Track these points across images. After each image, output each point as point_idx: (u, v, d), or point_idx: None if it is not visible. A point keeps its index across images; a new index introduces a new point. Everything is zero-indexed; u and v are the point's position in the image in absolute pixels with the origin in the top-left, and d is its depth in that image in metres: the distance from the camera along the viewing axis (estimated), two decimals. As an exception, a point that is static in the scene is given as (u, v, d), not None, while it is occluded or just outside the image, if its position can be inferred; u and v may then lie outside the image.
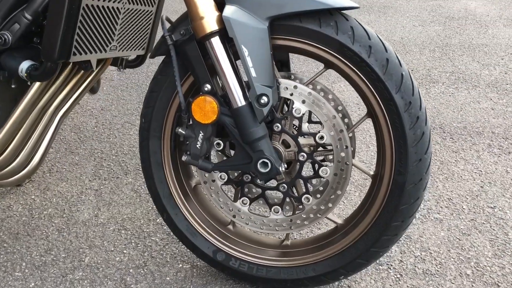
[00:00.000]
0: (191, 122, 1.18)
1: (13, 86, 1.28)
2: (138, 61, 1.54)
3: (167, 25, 1.20)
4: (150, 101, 1.27)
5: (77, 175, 1.92)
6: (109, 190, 1.83)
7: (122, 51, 1.37)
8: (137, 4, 1.33)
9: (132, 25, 1.35)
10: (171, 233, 1.57)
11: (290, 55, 1.38)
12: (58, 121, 1.36)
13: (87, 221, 1.66)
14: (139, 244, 1.54)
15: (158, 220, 1.65)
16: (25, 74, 1.13)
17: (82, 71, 1.36)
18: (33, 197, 1.78)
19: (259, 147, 1.13)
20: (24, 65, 1.13)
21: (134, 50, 1.42)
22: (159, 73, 1.26)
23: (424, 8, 4.55)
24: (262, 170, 1.13)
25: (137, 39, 1.42)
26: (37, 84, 1.23)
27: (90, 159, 2.05)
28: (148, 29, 1.46)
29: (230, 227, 1.35)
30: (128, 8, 1.30)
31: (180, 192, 1.32)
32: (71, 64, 1.30)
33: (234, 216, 1.26)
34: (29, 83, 1.23)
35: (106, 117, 2.43)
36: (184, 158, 1.20)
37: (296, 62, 3.20)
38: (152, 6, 1.41)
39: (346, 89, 2.74)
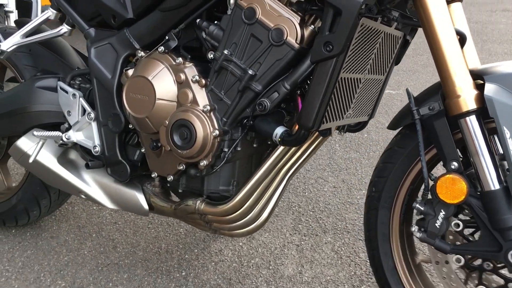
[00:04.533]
0: (430, 198, 1.15)
1: (254, 145, 1.39)
2: (360, 126, 1.56)
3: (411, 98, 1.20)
4: (384, 172, 1.27)
5: (278, 227, 1.99)
6: (310, 247, 1.85)
7: (354, 118, 1.40)
8: (374, 74, 1.36)
9: (366, 93, 1.39)
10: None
11: None
12: (287, 180, 1.43)
13: (292, 276, 1.69)
14: (345, 311, 1.52)
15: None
16: (279, 139, 1.22)
17: (315, 135, 1.41)
18: (240, 244, 1.88)
19: (511, 236, 1.05)
20: (279, 131, 1.22)
21: (362, 116, 1.45)
22: (396, 145, 1.26)
23: None
24: (514, 262, 1.05)
25: (366, 106, 1.44)
26: (281, 147, 1.31)
27: (288, 212, 2.11)
28: (375, 96, 1.48)
29: (456, 312, 1.26)
30: (367, 78, 1.34)
31: (405, 268, 1.29)
32: (312, 130, 1.37)
33: (467, 305, 1.18)
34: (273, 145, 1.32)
35: (300, 171, 2.51)
36: (418, 235, 1.16)
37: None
38: (383, 75, 1.44)
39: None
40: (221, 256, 1.81)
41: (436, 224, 1.14)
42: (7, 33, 1.75)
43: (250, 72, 1.20)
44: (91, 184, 1.57)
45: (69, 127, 1.56)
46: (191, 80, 1.28)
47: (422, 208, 1.15)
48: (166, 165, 1.38)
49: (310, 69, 1.16)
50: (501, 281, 1.16)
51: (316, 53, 1.11)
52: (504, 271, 1.14)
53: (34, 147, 1.54)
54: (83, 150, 1.58)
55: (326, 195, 2.25)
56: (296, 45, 1.16)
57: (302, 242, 1.89)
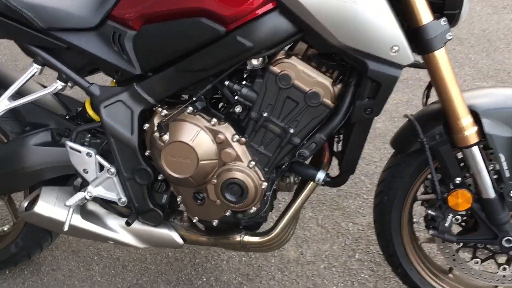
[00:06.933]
0: (439, 204, 1.47)
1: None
2: None
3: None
4: (394, 183, 1.56)
5: (262, 211, 2.23)
6: (298, 226, 2.13)
7: None
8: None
9: None
10: (376, 270, 1.90)
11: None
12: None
13: (297, 259, 1.98)
14: (354, 282, 1.87)
15: (356, 256, 1.98)
16: (322, 183, 1.42)
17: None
18: (240, 237, 2.10)
19: (505, 228, 1.43)
20: (320, 176, 1.42)
21: None
22: (403, 162, 1.54)
23: (489, -13, 4.59)
24: (507, 245, 1.44)
25: None
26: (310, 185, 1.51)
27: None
28: None
29: (451, 275, 1.67)
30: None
31: (413, 251, 1.64)
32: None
33: (465, 273, 1.58)
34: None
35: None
36: (431, 232, 1.50)
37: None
38: None
39: None
40: (228, 253, 2.02)
41: (446, 224, 1.48)
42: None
43: (291, 131, 1.35)
44: (118, 231, 1.63)
45: (84, 182, 1.58)
46: (231, 140, 1.39)
47: (433, 213, 1.48)
48: (211, 213, 1.51)
49: (343, 122, 1.35)
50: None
51: (357, 116, 1.31)
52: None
53: (65, 214, 1.54)
54: (104, 201, 1.62)
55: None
56: (332, 105, 1.33)
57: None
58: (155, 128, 1.44)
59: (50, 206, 1.58)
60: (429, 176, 1.52)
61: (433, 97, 1.56)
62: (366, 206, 2.22)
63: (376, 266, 1.93)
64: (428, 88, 1.58)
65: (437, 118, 1.43)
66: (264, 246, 1.57)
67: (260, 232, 1.57)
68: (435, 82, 1.35)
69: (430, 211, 1.48)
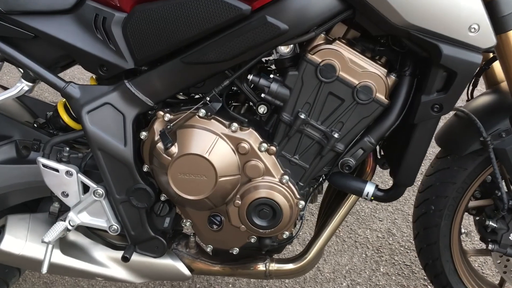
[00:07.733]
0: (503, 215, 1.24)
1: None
2: None
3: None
4: (442, 191, 1.31)
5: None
6: (309, 235, 1.87)
7: None
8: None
9: None
10: (406, 285, 1.66)
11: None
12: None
13: (315, 277, 1.72)
14: (385, 301, 1.63)
15: (381, 270, 1.73)
16: (371, 197, 1.15)
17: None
18: (245, 254, 1.81)
19: None
20: (370, 189, 1.15)
21: None
22: (456, 165, 1.29)
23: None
24: None
25: None
26: (350, 201, 1.24)
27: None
28: None
29: (505, 294, 1.45)
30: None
31: (463, 268, 1.40)
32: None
33: (526, 290, 1.36)
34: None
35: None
36: (491, 246, 1.27)
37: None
38: None
39: None
40: (233, 274, 1.73)
41: (510, 237, 1.25)
42: None
43: (336, 135, 1.07)
44: (108, 265, 1.31)
45: (63, 208, 1.25)
46: (258, 149, 1.09)
47: (495, 225, 1.24)
48: (231, 240, 1.21)
49: (399, 121, 1.08)
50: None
51: (422, 115, 1.04)
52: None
53: (43, 251, 1.20)
54: (89, 230, 1.29)
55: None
56: (386, 101, 1.06)
57: (300, 232, 1.89)
58: (157, 137, 1.12)
59: (20, 241, 1.23)
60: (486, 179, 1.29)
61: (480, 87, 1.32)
62: (382, 209, 1.98)
63: (405, 280, 1.69)
64: (477, 75, 1.34)
65: (500, 112, 1.19)
66: (295, 273, 1.29)
67: (290, 258, 1.28)
68: (507, 69, 1.10)
69: (491, 222, 1.24)
